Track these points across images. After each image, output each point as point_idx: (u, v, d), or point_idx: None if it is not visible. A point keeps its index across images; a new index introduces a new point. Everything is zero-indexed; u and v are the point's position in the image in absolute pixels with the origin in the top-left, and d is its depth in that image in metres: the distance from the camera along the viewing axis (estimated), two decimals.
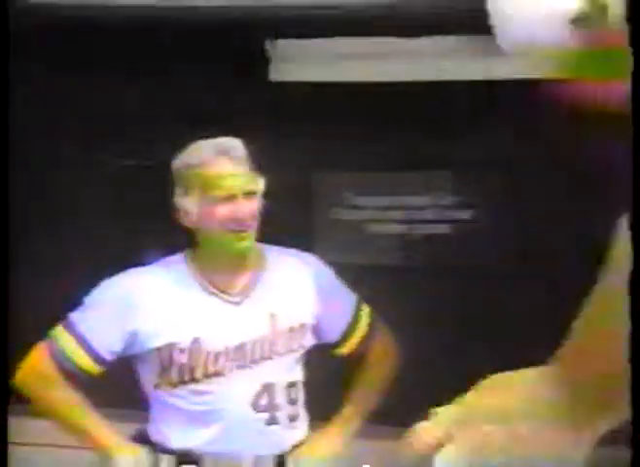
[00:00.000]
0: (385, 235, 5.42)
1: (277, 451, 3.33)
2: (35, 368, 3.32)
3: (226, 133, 3.31)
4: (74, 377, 3.28)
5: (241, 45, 5.09)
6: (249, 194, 3.22)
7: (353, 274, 3.59)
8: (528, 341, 4.91)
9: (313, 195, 5.50)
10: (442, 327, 4.99)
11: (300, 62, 5.32)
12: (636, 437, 2.60)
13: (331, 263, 3.55)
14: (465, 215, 5.25)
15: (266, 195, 3.30)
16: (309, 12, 4.94)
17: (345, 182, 5.50)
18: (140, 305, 3.24)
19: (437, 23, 4.74)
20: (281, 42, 5.25)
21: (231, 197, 3.19)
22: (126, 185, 5.43)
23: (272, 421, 3.28)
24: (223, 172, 3.20)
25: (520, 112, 4.86)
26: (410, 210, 5.34)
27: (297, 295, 3.35)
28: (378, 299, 3.60)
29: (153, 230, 4.46)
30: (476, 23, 4.51)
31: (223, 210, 3.18)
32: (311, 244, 4.46)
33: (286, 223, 4.31)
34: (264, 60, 5.30)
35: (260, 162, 3.29)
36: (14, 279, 4.38)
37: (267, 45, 5.27)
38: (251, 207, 3.22)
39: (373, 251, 5.38)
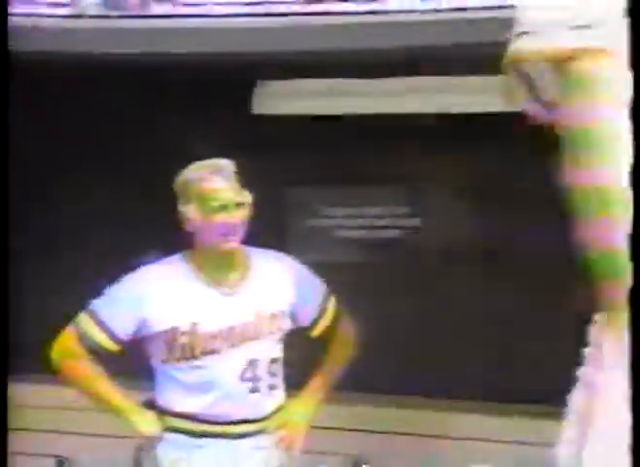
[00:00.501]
0: (349, 239, 5.47)
1: (260, 415, 3.35)
2: (65, 347, 3.36)
3: (217, 155, 3.35)
4: (96, 353, 3.32)
5: (230, 84, 5.11)
6: (239, 204, 3.24)
7: (324, 271, 3.62)
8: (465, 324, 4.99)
9: (292, 206, 5.54)
10: (394, 311, 5.03)
11: (278, 99, 5.34)
12: (636, 436, 2.47)
13: (305, 262, 3.57)
14: (413, 223, 5.30)
15: (254, 206, 3.33)
16: (287, 57, 4.98)
17: (317, 196, 5.54)
18: (149, 296, 3.28)
19: (393, 67, 4.80)
20: (263, 82, 5.28)
21: (224, 207, 3.22)
22: (131, 195, 5.42)
23: (255, 390, 3.31)
24: (217, 187, 3.23)
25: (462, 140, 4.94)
26: (370, 218, 5.39)
27: (276, 287, 3.37)
28: (344, 290, 3.62)
29: (152, 233, 4.38)
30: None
31: (218, 217, 3.22)
32: (290, 247, 4.48)
33: (269, 230, 4.33)
34: (248, 97, 5.33)
35: (247, 180, 3.32)
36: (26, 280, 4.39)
37: (252, 84, 5.30)
38: (241, 215, 3.25)
39: (339, 252, 5.43)
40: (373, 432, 4.86)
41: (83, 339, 3.32)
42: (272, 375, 3.35)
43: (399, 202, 5.35)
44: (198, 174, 3.26)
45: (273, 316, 3.34)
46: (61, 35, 5.31)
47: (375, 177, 5.23)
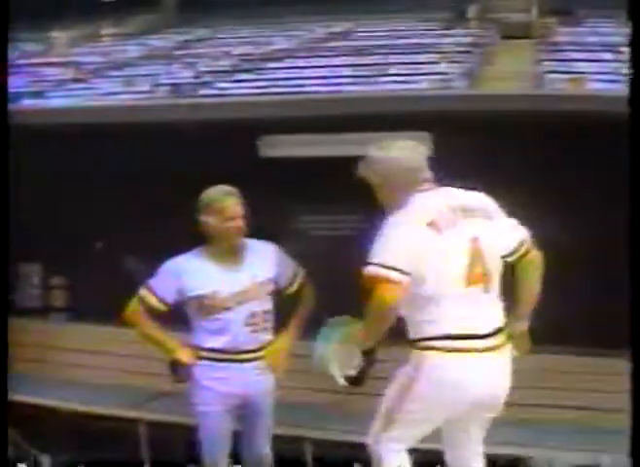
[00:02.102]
0: (320, 235, 5.44)
1: (258, 346, 3.29)
2: (132, 308, 3.31)
3: (235, 183, 3.28)
4: (151, 311, 3.28)
5: (246, 136, 5.05)
6: (242, 216, 3.22)
7: (304, 252, 3.57)
8: None
9: (286, 215, 5.49)
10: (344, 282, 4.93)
11: (278, 146, 5.29)
12: (636, 436, 2.36)
13: (294, 248, 3.53)
14: (360, 226, 5.23)
15: (262, 216, 3.29)
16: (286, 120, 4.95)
17: (302, 209, 5.51)
18: (185, 274, 3.23)
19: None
20: (268, 136, 5.23)
21: (234, 217, 3.20)
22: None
23: (254, 331, 3.26)
24: (230, 204, 3.20)
25: None
26: (332, 223, 5.34)
27: (264, 264, 3.31)
28: (315, 263, 3.56)
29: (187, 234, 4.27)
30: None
31: (231, 223, 3.20)
32: (284, 240, 4.40)
33: (272, 230, 4.23)
34: (258, 144, 5.26)
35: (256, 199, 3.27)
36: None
37: (260, 137, 5.23)
38: (243, 222, 3.23)
39: (314, 243, 5.39)
40: None
41: (142, 302, 3.27)
42: (265, 321, 3.30)
43: (350, 213, 5.28)
44: (218, 196, 3.23)
45: (263, 283, 3.28)
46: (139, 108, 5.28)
47: (338, 198, 5.16)
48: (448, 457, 2.89)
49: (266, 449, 3.43)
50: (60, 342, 5.39)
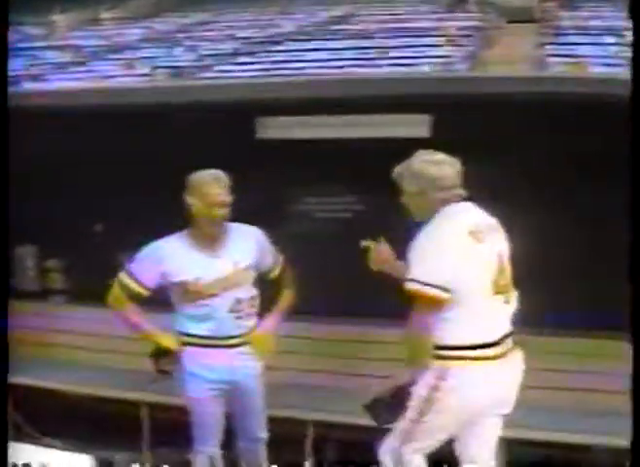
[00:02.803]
0: (320, 217, 5.30)
1: (243, 332, 3.19)
2: (113, 294, 3.20)
3: (232, 165, 3.14)
4: (133, 297, 3.16)
5: (243, 118, 4.94)
6: (227, 203, 3.09)
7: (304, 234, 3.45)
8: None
9: (284, 197, 5.36)
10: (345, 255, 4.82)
11: (275, 128, 5.17)
12: (636, 436, 2.31)
13: (293, 230, 3.43)
14: (357, 208, 5.11)
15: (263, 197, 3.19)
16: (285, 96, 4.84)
17: (301, 191, 5.40)
18: (166, 258, 3.11)
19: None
20: (264, 118, 5.11)
21: (218, 203, 3.07)
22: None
23: (239, 317, 3.15)
24: (216, 192, 3.07)
25: None
26: (331, 205, 5.22)
27: (246, 249, 3.18)
28: (315, 243, 3.45)
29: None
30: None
31: (214, 210, 3.07)
32: (283, 221, 4.28)
33: (272, 211, 4.10)
34: (255, 126, 5.13)
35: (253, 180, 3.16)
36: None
37: (256, 120, 5.11)
38: (227, 211, 3.10)
39: (313, 224, 5.25)
40: None
41: (122, 288, 3.15)
42: (250, 306, 3.20)
43: (349, 195, 5.17)
44: (204, 180, 3.09)
45: (245, 269, 3.16)
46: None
47: (335, 179, 5.05)
48: (460, 452, 2.88)
49: (261, 433, 3.33)
50: (60, 325, 5.30)
